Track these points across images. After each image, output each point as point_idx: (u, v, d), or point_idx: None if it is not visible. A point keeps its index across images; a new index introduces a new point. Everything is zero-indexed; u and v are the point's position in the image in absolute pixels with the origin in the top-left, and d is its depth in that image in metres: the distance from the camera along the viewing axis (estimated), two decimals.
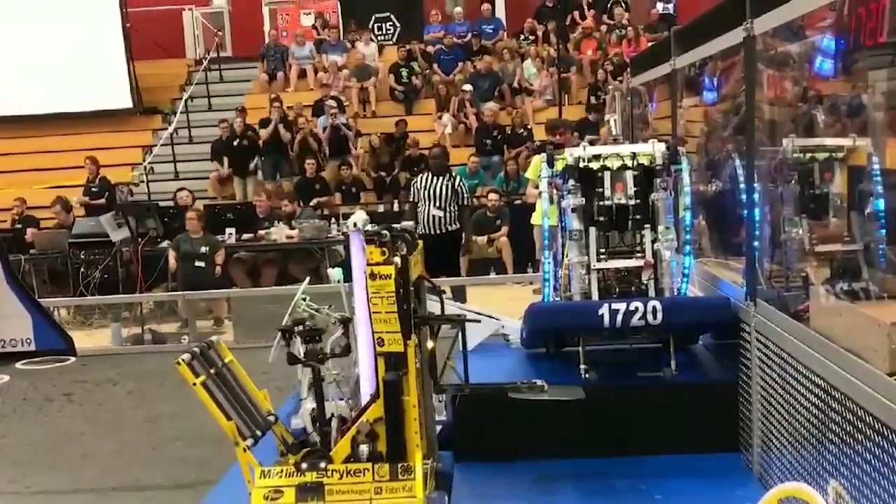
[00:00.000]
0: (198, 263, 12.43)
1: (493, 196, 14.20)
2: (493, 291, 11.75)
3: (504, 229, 13.64)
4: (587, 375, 5.77)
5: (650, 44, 15.84)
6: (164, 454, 7.59)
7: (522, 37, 19.71)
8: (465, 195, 11.76)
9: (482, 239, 13.60)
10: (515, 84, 18.35)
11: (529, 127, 16.76)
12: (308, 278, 6.18)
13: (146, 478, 7.11)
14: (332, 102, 17.20)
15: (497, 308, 7.61)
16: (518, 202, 14.39)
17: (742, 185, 5.91)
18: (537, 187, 11.38)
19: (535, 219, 11.54)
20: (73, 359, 10.91)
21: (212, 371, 5.16)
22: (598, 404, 5.71)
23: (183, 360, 5.02)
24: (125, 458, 7.58)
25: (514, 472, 5.61)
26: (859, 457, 3.93)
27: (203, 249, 12.49)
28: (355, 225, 5.95)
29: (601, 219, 6.00)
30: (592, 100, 16.99)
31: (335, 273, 6.39)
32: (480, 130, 16.94)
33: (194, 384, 4.99)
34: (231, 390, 5.23)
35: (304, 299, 5.82)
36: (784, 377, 4.81)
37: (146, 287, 12.85)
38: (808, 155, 5.65)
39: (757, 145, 5.45)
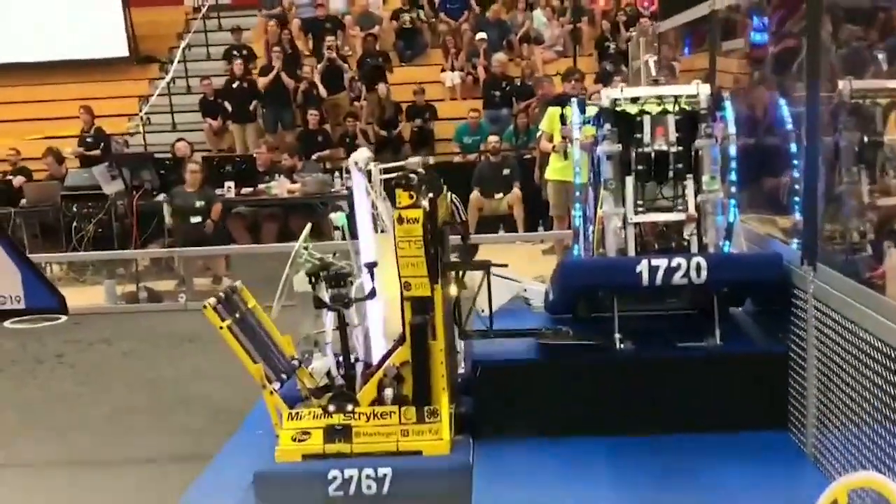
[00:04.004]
0: (194, 219, 11.89)
1: (492, 138, 13.62)
2: (503, 251, 11.20)
3: (516, 184, 13.04)
4: (622, 345, 5.25)
5: None
6: (160, 422, 7.13)
7: None
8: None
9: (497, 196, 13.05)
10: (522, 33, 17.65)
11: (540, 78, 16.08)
12: (309, 224, 5.79)
13: (142, 447, 6.65)
14: (332, 38, 16.59)
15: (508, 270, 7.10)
16: (528, 156, 13.80)
17: (793, 134, 5.38)
18: (551, 140, 11.00)
19: (550, 173, 11.01)
20: (64, 317, 10.35)
21: (236, 315, 5.28)
22: (635, 377, 5.25)
23: (209, 303, 5.14)
24: (120, 425, 7.13)
25: (541, 451, 5.11)
26: None
27: (199, 204, 11.95)
28: (356, 163, 5.58)
29: (639, 168, 5.43)
30: (611, 48, 16.35)
31: (338, 218, 5.95)
32: (488, 82, 16.29)
33: (221, 328, 5.11)
34: (255, 334, 5.36)
35: (306, 248, 5.47)
36: (849, 350, 4.28)
37: (141, 243, 12.34)
38: (868, 99, 5.09)
39: (818, 90, 4.87)
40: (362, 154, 5.86)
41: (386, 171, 5.80)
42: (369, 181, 5.73)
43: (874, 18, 5.73)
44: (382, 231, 5.67)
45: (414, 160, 5.72)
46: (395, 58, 17.73)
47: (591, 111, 5.78)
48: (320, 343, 5.84)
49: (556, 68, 15.76)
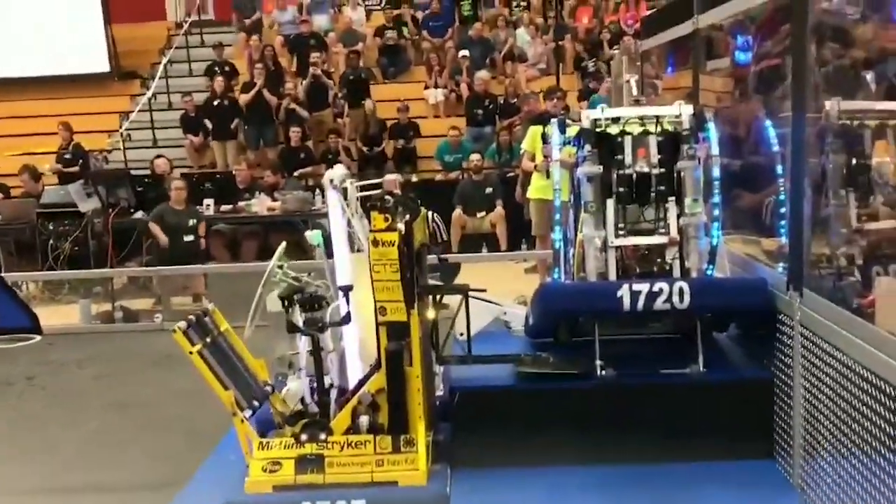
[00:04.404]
0: (187, 238, 11.72)
1: (475, 156, 13.52)
2: (485, 269, 11.05)
3: (499, 203, 12.93)
4: (604, 372, 5.11)
5: (649, 11, 15.17)
6: (133, 446, 6.92)
7: (514, 3, 18.99)
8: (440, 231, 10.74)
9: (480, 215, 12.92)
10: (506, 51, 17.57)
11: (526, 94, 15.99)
12: (284, 243, 5.60)
13: (111, 475, 6.44)
14: (317, 55, 16.48)
15: (490, 288, 6.95)
16: (510, 174, 13.72)
17: (778, 155, 5.27)
18: (533, 159, 10.89)
19: (532, 192, 10.89)
20: (38, 338, 10.11)
21: (207, 339, 5.08)
22: (617, 404, 5.11)
23: (179, 327, 4.94)
24: (89, 452, 6.92)
25: (521, 481, 4.95)
26: None
27: (191, 222, 11.79)
28: (331, 181, 5.43)
29: (620, 190, 5.30)
30: (589, 67, 16.32)
31: (313, 236, 5.78)
32: (472, 100, 16.20)
33: (191, 353, 4.90)
34: (227, 359, 5.16)
35: (281, 267, 5.31)
36: (836, 379, 4.16)
37: (118, 261, 12.14)
38: (856, 120, 4.97)
39: (804, 111, 4.75)
40: (338, 171, 5.71)
41: (363, 188, 5.65)
42: (345, 199, 5.58)
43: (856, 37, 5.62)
44: (359, 250, 5.51)
45: (391, 177, 5.61)
46: (379, 75, 17.64)
47: (573, 131, 5.65)
48: (295, 364, 5.68)
49: (540, 86, 15.66)
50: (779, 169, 5.34)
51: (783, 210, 5.14)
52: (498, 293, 6.53)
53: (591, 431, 5.08)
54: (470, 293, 5.29)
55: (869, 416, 3.85)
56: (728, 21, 6.49)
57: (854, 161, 4.92)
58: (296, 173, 14.55)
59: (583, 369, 5.17)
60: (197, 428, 6.90)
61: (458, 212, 12.91)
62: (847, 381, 4.05)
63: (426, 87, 17.09)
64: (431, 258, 5.55)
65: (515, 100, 15.80)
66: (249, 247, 12.82)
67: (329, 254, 5.60)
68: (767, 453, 5.02)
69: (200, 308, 5.46)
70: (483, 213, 13.04)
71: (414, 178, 14.14)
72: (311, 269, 5.73)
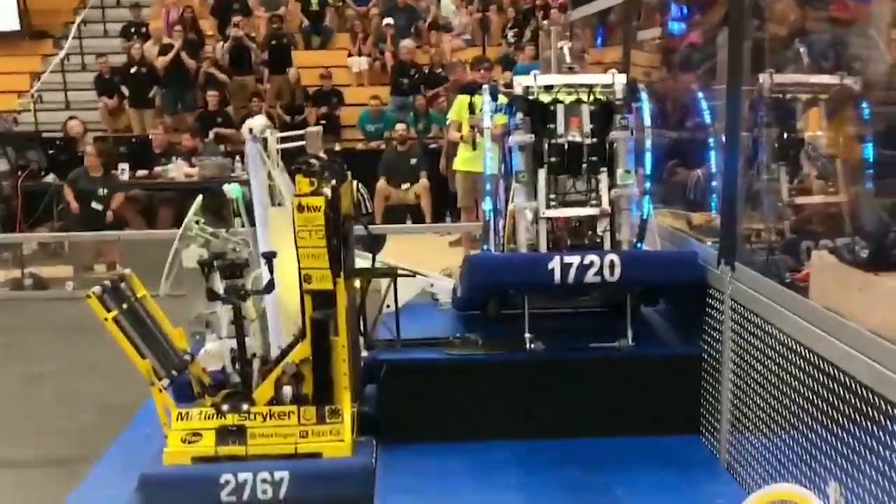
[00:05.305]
0: (95, 205, 11.32)
1: (400, 126, 13.36)
2: (410, 242, 10.93)
3: (423, 174, 12.79)
4: (532, 346, 5.03)
5: None
6: (42, 422, 6.65)
7: None
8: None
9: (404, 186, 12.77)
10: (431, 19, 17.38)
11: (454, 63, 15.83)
12: (200, 196, 5.38)
13: (20, 451, 6.18)
14: (238, 17, 16.13)
15: (414, 260, 6.83)
16: (433, 146, 13.57)
17: (711, 128, 5.24)
18: (460, 129, 10.78)
19: (458, 164, 10.79)
20: None
21: (124, 306, 4.83)
22: (545, 378, 5.03)
23: (94, 292, 4.68)
24: None
25: (448, 454, 4.88)
26: (870, 451, 3.29)
27: (102, 191, 11.38)
28: (251, 130, 5.24)
29: (552, 160, 5.18)
30: (510, 36, 16.23)
31: (231, 189, 5.56)
32: (396, 69, 15.98)
33: (106, 319, 4.69)
34: (144, 327, 4.92)
35: (197, 222, 5.07)
36: (767, 354, 4.15)
37: (28, 226, 11.71)
38: (788, 94, 4.96)
39: (740, 85, 4.69)
40: (258, 121, 5.49)
41: (283, 140, 5.45)
42: (265, 150, 5.37)
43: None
44: (279, 204, 5.32)
45: (313, 129, 5.46)
46: (301, 42, 17.30)
47: (503, 99, 5.52)
48: (213, 324, 5.48)
49: (465, 56, 15.53)
50: (711, 142, 5.30)
51: (714, 184, 5.12)
52: (423, 266, 6.42)
53: (519, 405, 5.04)
54: (399, 270, 5.18)
55: (800, 390, 3.84)
56: None
57: (786, 135, 4.91)
58: (212, 132, 14.18)
59: (512, 349, 5.10)
60: (110, 401, 6.71)
61: (382, 182, 12.74)
62: (778, 355, 4.03)
63: (350, 55, 16.81)
64: (358, 229, 5.36)
65: (441, 69, 15.64)
66: (165, 213, 12.47)
67: (250, 216, 5.40)
68: (694, 429, 5.02)
69: (117, 273, 5.22)
70: (407, 185, 12.89)
71: (337, 147, 13.89)
72: (227, 226, 5.55)
